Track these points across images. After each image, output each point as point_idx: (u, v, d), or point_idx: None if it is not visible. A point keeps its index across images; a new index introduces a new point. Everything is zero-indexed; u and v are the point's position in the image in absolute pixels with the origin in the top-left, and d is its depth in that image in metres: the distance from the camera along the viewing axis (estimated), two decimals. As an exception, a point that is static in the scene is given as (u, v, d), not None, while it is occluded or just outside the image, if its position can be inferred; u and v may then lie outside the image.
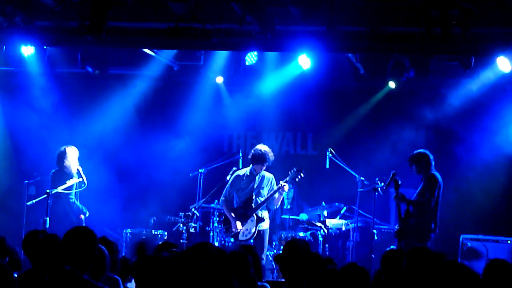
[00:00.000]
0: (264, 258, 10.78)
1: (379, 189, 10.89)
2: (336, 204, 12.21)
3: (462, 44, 9.10)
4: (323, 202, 12.18)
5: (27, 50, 11.46)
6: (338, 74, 12.68)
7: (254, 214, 10.99)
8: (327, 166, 11.67)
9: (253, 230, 10.96)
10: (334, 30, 9.47)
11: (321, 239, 11.64)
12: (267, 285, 5.97)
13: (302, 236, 11.42)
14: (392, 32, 9.90)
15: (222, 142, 13.78)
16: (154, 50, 12.11)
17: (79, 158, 11.23)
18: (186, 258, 3.85)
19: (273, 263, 11.05)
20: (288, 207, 12.14)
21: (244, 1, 9.06)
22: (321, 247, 11.63)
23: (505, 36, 9.69)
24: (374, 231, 11.14)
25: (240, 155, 11.90)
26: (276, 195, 11.03)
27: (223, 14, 9.54)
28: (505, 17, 9.30)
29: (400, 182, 10.52)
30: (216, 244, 10.98)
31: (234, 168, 11.42)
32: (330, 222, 11.98)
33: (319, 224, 11.89)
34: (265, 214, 11.12)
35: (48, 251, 5.25)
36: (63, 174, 11.04)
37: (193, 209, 11.44)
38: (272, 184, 11.12)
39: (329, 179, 12.29)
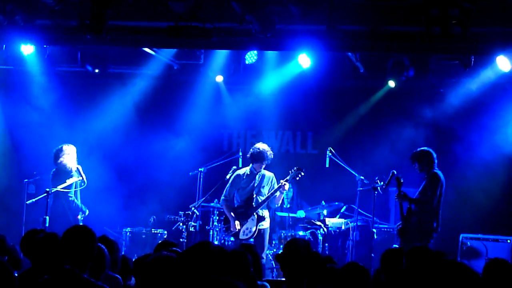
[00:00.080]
0: (264, 257, 10.79)
1: (378, 188, 10.89)
2: (336, 203, 12.22)
3: (462, 43, 9.09)
4: (323, 201, 12.18)
5: (27, 49, 11.45)
6: (338, 73, 12.69)
7: (254, 213, 11.00)
8: (327, 165, 11.66)
9: (253, 229, 10.97)
10: (334, 29, 9.47)
11: (320, 238, 11.64)
12: (267, 284, 5.98)
13: (302, 235, 11.42)
14: (392, 31, 9.90)
15: (222, 141, 13.78)
16: (154, 49, 12.11)
17: (78, 157, 11.22)
18: (187, 257, 3.85)
19: (273, 262, 11.06)
20: (288, 206, 12.14)
21: (244, 0, 9.06)
22: (321, 246, 11.63)
23: (505, 35, 9.70)
24: (374, 230, 11.15)
25: (240, 154, 11.90)
26: (277, 194, 11.04)
27: (223, 13, 9.54)
28: (505, 16, 9.30)
29: (402, 181, 10.51)
30: (216, 243, 10.99)
31: (234, 167, 11.42)
32: (330, 221, 11.98)
33: (318, 223, 11.89)
34: (265, 213, 11.13)
35: (48, 250, 5.25)
36: (63, 172, 11.03)
37: (193, 208, 11.44)
38: (273, 183, 11.13)
39: (329, 178, 12.29)
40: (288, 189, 11.32)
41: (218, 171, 11.82)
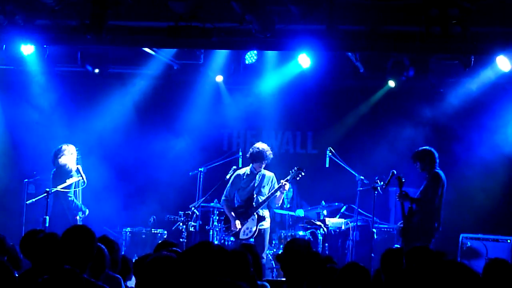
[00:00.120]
0: (264, 257, 10.79)
1: (378, 188, 10.89)
2: (336, 204, 12.20)
3: (462, 43, 9.09)
4: (323, 201, 12.18)
5: (27, 49, 11.44)
6: (338, 73, 12.69)
7: (255, 213, 11.00)
8: (327, 165, 11.67)
9: (254, 229, 10.97)
10: (334, 29, 9.47)
11: (320, 238, 11.63)
12: (267, 284, 5.98)
13: (302, 235, 11.42)
14: (392, 31, 9.90)
15: (222, 141, 13.78)
16: (154, 49, 12.11)
17: (79, 157, 11.23)
18: (187, 257, 3.85)
19: (273, 262, 11.06)
20: (288, 206, 12.14)
21: (244, 0, 9.06)
22: (321, 246, 11.63)
23: (504, 35, 9.70)
24: (374, 230, 11.15)
25: (240, 154, 11.90)
26: (277, 194, 11.05)
27: (223, 13, 9.54)
28: (505, 16, 9.30)
29: (403, 180, 10.50)
30: (216, 243, 10.98)
31: (234, 167, 11.42)
32: (330, 221, 11.97)
33: (318, 223, 11.88)
34: (266, 213, 11.13)
35: (48, 250, 5.24)
36: (63, 173, 11.03)
37: (193, 208, 11.44)
38: (273, 183, 11.13)
39: (329, 178, 12.29)
40: (288, 189, 11.32)
41: (218, 171, 11.81)
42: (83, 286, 4.56)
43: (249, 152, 11.14)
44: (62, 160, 11.02)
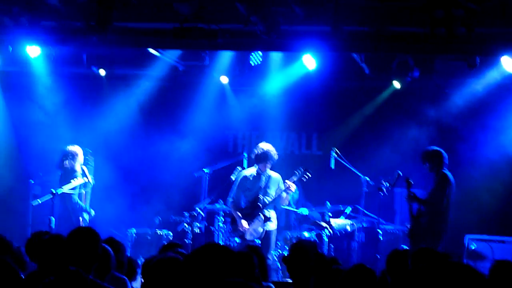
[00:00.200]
0: (271, 258, 10.79)
1: (384, 189, 10.87)
2: (341, 207, 12.17)
3: (467, 44, 9.08)
4: (328, 202, 12.16)
5: (33, 51, 11.48)
6: (343, 74, 12.69)
7: (261, 214, 11.00)
8: (332, 166, 11.67)
9: (260, 230, 10.97)
10: (339, 30, 9.46)
11: (326, 239, 11.62)
12: (272, 286, 5.98)
13: (307, 237, 11.41)
14: (397, 32, 9.89)
15: (227, 142, 13.79)
16: (159, 50, 12.12)
17: (87, 157, 11.27)
18: (193, 258, 3.85)
19: (278, 263, 11.06)
20: (294, 207, 12.13)
21: (249, 1, 9.06)
22: (326, 247, 11.62)
23: (509, 36, 9.68)
24: (379, 231, 11.14)
25: (245, 155, 11.90)
26: (284, 194, 11.05)
27: (228, 15, 9.55)
28: (510, 17, 9.28)
29: (412, 182, 10.47)
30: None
31: (239, 168, 11.41)
32: (335, 222, 11.96)
33: (324, 224, 11.88)
34: (272, 214, 11.12)
35: (54, 252, 5.26)
36: (68, 175, 11.07)
37: (198, 209, 11.44)
38: (279, 184, 11.13)
39: (334, 179, 12.27)
40: (294, 190, 11.32)
41: (223, 172, 11.81)
42: (89, 287, 4.57)
43: (254, 153, 11.14)
44: (68, 163, 11.06)
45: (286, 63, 12.59)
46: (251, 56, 12.46)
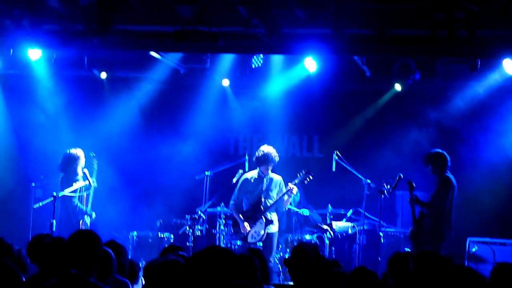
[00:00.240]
0: (272, 261, 10.78)
1: (385, 191, 10.87)
2: (342, 211, 12.16)
3: (468, 46, 9.08)
4: (329, 205, 12.16)
5: (34, 54, 11.48)
6: (344, 76, 12.68)
7: (263, 217, 11.00)
8: (333, 169, 11.67)
9: (262, 233, 10.97)
10: (340, 32, 9.47)
11: (327, 242, 11.62)
12: (274, 289, 5.97)
13: (309, 239, 11.41)
14: (398, 34, 9.88)
15: (228, 145, 13.79)
16: (160, 53, 12.12)
17: (85, 161, 11.27)
18: (195, 261, 3.85)
19: (279, 265, 11.05)
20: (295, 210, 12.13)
21: (250, 4, 9.06)
22: (328, 250, 11.62)
23: (511, 38, 9.67)
24: (381, 234, 11.13)
25: (246, 158, 11.91)
26: (285, 197, 11.05)
27: (229, 17, 9.55)
28: (511, 19, 9.28)
29: (414, 185, 10.46)
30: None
31: (240, 171, 11.41)
32: (337, 225, 11.96)
33: (325, 227, 11.87)
34: (274, 216, 11.12)
35: (55, 255, 5.26)
36: (69, 178, 11.08)
37: (199, 212, 11.44)
38: (281, 187, 11.13)
39: (335, 181, 12.27)
40: (296, 193, 11.32)
41: (224, 175, 11.81)
42: (90, 290, 4.57)
43: (255, 156, 11.15)
44: (69, 166, 11.07)
45: (288, 65, 12.59)
46: (252, 59, 12.47)
